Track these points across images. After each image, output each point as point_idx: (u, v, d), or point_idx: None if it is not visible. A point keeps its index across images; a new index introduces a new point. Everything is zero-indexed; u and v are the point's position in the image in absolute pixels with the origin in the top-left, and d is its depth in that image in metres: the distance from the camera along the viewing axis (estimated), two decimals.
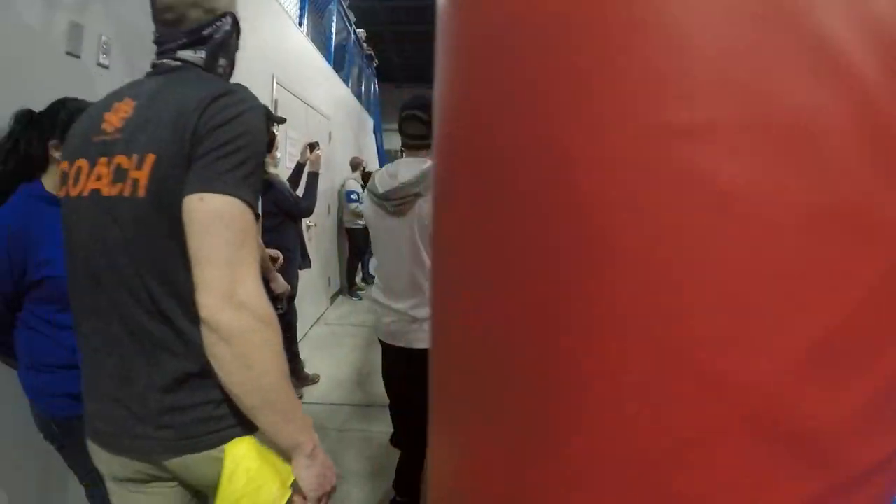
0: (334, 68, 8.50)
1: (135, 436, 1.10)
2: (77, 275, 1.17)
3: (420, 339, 2.32)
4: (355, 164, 8.44)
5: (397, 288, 2.43)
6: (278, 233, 3.83)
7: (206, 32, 1.21)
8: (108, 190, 1.08)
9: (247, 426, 1.10)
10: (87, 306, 1.15)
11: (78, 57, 2.28)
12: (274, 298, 3.05)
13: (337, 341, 6.11)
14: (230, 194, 1.00)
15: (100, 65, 2.42)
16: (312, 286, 6.29)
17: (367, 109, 12.96)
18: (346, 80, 9.73)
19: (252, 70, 4.34)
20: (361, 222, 7.12)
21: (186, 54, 1.20)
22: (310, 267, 4.53)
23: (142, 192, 1.04)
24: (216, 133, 1.03)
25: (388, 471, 2.90)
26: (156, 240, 1.05)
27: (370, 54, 12.99)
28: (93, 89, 2.28)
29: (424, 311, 2.23)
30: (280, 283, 3.22)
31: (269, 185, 3.68)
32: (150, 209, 1.04)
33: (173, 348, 1.07)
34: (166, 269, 1.05)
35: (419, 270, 2.32)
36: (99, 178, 1.10)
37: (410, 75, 21.02)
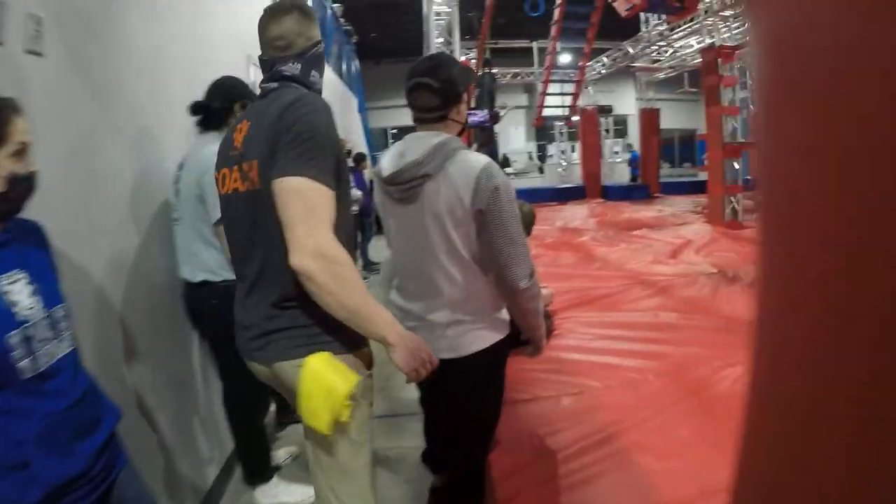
0: None
1: (253, 346, 1.67)
2: (238, 241, 1.72)
3: (442, 347, 1.99)
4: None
5: (411, 288, 2.15)
6: None
7: (308, 55, 1.73)
8: (241, 187, 1.64)
9: (323, 347, 1.58)
10: (243, 258, 1.70)
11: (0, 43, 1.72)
12: None
13: None
14: (299, 174, 1.47)
15: (30, 52, 1.84)
16: None
17: (350, 88, 12.39)
18: (325, 59, 9.09)
19: (226, 50, 3.97)
20: (354, 209, 6.56)
21: (289, 68, 1.69)
22: None
23: (257, 186, 1.57)
24: (288, 133, 1.49)
25: None
26: (270, 214, 1.51)
27: (348, 30, 12.39)
28: (21, 82, 1.78)
29: (443, 315, 2.01)
30: None
31: None
32: (263, 196, 1.54)
33: (282, 282, 1.56)
34: (278, 232, 1.50)
35: (435, 268, 2.01)
36: (235, 181, 1.66)
37: (390, 49, 20.38)
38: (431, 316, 2.05)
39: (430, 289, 2.05)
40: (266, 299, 1.61)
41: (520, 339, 2.22)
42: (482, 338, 2.03)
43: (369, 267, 8.39)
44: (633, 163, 18.96)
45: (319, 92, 1.78)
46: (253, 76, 4.43)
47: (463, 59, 14.90)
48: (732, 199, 9.55)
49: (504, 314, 2.11)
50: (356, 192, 6.68)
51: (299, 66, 1.70)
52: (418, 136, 2.05)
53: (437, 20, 7.33)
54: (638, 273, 6.11)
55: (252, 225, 1.62)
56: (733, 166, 9.54)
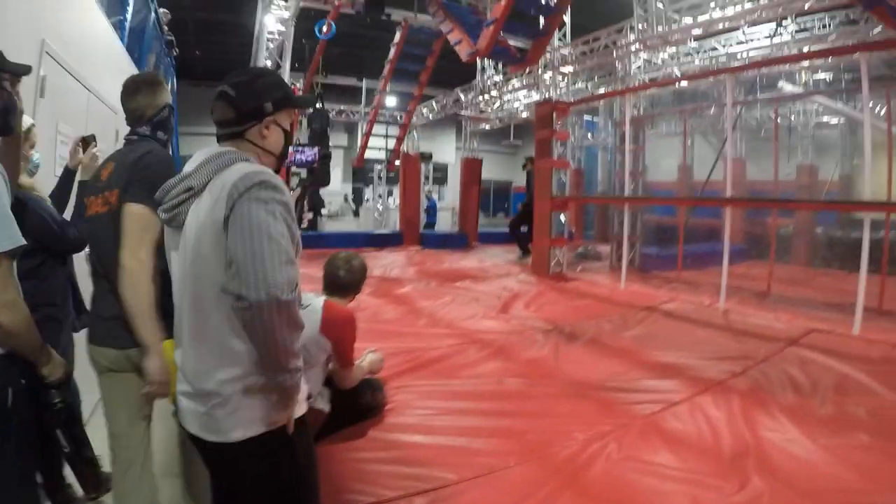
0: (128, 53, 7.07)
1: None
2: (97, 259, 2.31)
3: (203, 425, 1.63)
4: None
5: (182, 340, 1.70)
6: (39, 279, 2.45)
7: (155, 120, 2.38)
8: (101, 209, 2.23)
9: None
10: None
11: None
12: (46, 387, 2.06)
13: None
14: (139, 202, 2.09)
15: None
16: None
17: None
18: (140, 69, 7.98)
19: (11, 28, 3.01)
20: None
21: (142, 129, 2.36)
22: (86, 327, 2.95)
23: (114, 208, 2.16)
24: (138, 173, 2.14)
25: None
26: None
27: (171, 40, 11.15)
28: None
29: (209, 380, 1.59)
30: (56, 363, 2.09)
31: (22, 206, 2.21)
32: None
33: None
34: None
35: (201, 315, 1.62)
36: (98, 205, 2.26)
37: (213, 72, 18.95)
38: (199, 382, 1.62)
39: (196, 343, 1.64)
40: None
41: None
42: (260, 417, 1.61)
43: None
44: (429, 210, 18.92)
45: (165, 144, 2.44)
46: (43, 68, 3.46)
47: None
48: (557, 251, 9.61)
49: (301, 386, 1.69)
50: None
51: (149, 128, 2.37)
52: (200, 152, 1.72)
53: (269, 40, 6.62)
54: (470, 330, 5.71)
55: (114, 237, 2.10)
56: (559, 219, 9.66)
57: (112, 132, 5.63)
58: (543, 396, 3.88)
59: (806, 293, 8.47)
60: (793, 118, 14.57)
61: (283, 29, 6.80)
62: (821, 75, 12.48)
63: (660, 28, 7.84)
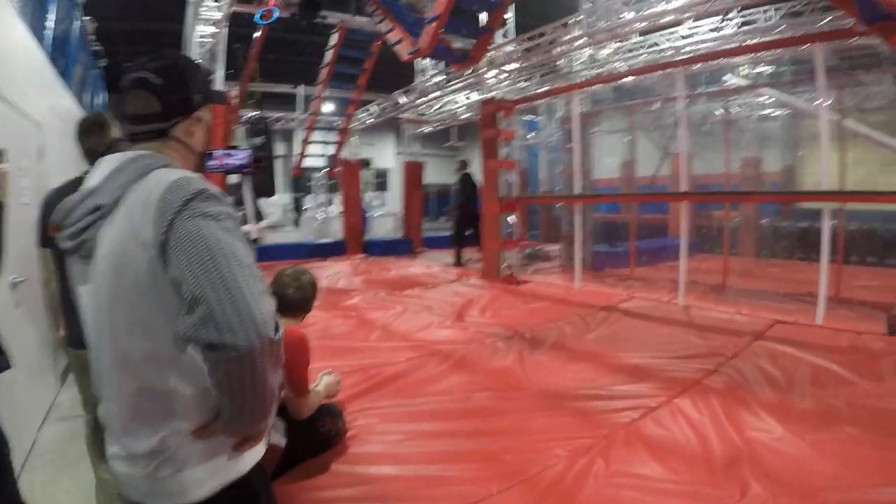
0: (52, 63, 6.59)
1: None
2: None
3: (150, 492, 1.30)
4: None
5: (106, 394, 1.36)
6: None
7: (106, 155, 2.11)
8: None
9: None
10: None
11: None
12: None
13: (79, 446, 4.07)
14: None
15: None
16: (26, 374, 4.08)
17: None
18: (66, 81, 7.51)
19: None
20: None
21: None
22: (8, 367, 2.50)
23: None
24: None
25: None
26: None
27: (97, 51, 10.47)
28: None
29: (143, 441, 1.26)
30: None
31: None
32: None
33: None
34: None
35: (124, 361, 1.28)
36: None
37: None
38: (130, 439, 1.30)
39: (125, 395, 1.29)
40: None
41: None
42: (218, 468, 1.30)
43: None
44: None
45: None
46: None
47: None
48: (507, 254, 9.39)
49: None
50: None
51: None
52: (108, 158, 1.36)
53: (201, 44, 6.16)
54: (427, 341, 5.41)
55: None
56: (507, 221, 9.44)
57: (33, 147, 5.19)
58: (516, 411, 3.61)
59: (760, 284, 8.52)
60: (734, 112, 14.83)
61: (215, 30, 6.35)
62: (762, 68, 12.65)
63: (607, 22, 7.69)
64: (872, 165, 8.89)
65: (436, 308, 7.03)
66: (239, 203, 6.04)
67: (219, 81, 6.23)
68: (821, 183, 6.10)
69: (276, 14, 9.69)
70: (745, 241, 11.28)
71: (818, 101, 6.14)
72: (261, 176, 10.46)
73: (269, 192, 11.28)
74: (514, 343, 5.27)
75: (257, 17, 9.94)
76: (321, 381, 3.29)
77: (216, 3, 6.27)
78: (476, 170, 11.58)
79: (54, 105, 6.35)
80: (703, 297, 7.42)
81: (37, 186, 5.10)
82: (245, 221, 5.10)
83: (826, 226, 6.00)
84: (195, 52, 6.25)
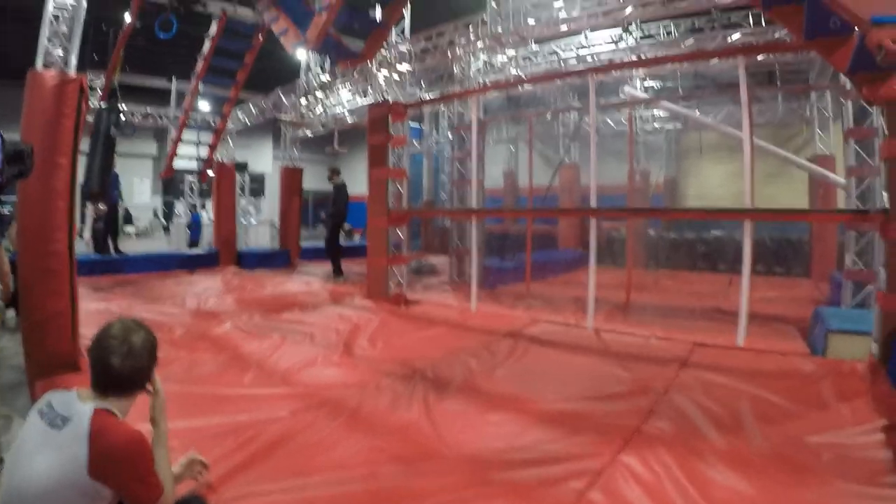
0: None
1: None
2: None
3: None
4: None
5: None
6: None
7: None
8: None
9: None
10: None
11: None
12: None
13: None
14: None
15: None
16: None
17: None
18: None
19: None
20: None
21: None
22: None
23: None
24: None
25: None
26: None
27: None
28: None
29: None
30: None
31: None
32: None
33: None
34: None
35: None
36: None
37: (9, 68, 15.86)
38: None
39: None
40: None
41: None
42: None
43: None
44: (192, 226, 17.17)
45: None
46: None
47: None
48: (396, 270, 8.65)
49: None
50: None
51: None
52: None
53: (55, 18, 5.00)
54: (312, 386, 4.55)
55: None
56: (398, 234, 8.71)
57: None
58: (437, 491, 2.83)
59: (662, 299, 8.43)
60: (618, 124, 15.03)
61: (73, 3, 5.20)
62: (650, 83, 12.74)
63: (509, 26, 7.17)
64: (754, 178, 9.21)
65: (319, 337, 6.19)
66: None
67: (71, 67, 5.11)
68: (745, 199, 5.74)
69: (175, 27, 8.60)
70: (632, 252, 11.20)
71: (744, 113, 5.80)
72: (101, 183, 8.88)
73: (98, 192, 9.47)
74: (415, 385, 4.50)
75: (157, 28, 8.79)
76: (181, 466, 2.47)
77: None
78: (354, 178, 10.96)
79: None
80: (611, 317, 7.04)
81: None
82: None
83: (747, 241, 5.67)
84: (46, 28, 5.09)
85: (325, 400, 4.16)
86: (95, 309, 7.44)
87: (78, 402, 1.94)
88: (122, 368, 2.01)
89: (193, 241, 16.70)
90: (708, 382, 4.53)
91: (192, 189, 16.94)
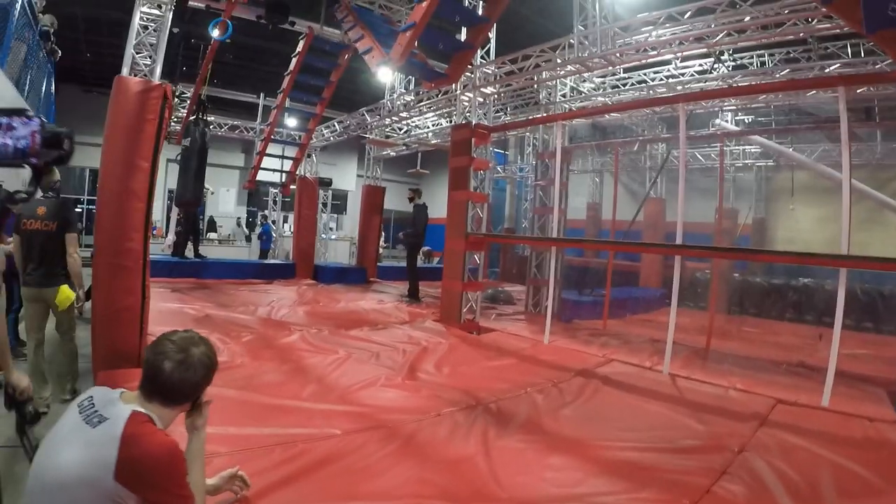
0: None
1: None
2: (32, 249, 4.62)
3: None
4: None
5: None
6: None
7: (56, 188, 4.81)
8: (41, 227, 4.62)
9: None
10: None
11: None
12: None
13: None
14: (74, 232, 4.79)
15: None
16: None
17: (37, 111, 9.25)
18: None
19: None
20: None
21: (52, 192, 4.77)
22: None
23: (52, 229, 4.63)
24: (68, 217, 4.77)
25: None
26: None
27: (46, 31, 9.35)
28: None
29: None
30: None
31: None
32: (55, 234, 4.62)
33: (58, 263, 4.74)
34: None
35: None
36: (35, 224, 4.62)
37: (104, 77, 16.81)
38: None
39: None
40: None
41: None
42: None
43: None
44: (263, 236, 17.60)
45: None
46: None
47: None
48: (470, 296, 8.46)
49: None
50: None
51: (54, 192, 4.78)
52: None
53: (143, 27, 5.18)
54: (369, 407, 4.40)
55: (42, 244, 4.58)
56: (475, 260, 8.53)
57: None
58: None
59: (743, 348, 7.90)
60: (707, 159, 14.46)
61: (159, 14, 5.37)
62: (740, 116, 12.23)
63: (602, 48, 6.94)
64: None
65: (384, 356, 6.07)
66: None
67: (154, 74, 5.25)
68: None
69: (230, 30, 8.80)
70: (716, 296, 10.62)
71: (843, 149, 5.34)
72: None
73: (191, 200, 9.68)
74: (476, 417, 4.31)
75: (212, 28, 9.03)
76: (221, 477, 2.39)
77: None
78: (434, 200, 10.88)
79: None
80: (689, 363, 6.59)
81: None
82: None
83: (842, 291, 5.19)
84: (133, 38, 5.27)
85: (381, 422, 4.02)
86: (168, 309, 7.65)
87: (119, 403, 1.87)
88: (171, 375, 1.94)
89: (264, 251, 17.06)
90: (788, 445, 4.13)
91: (274, 201, 17.31)
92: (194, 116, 9.97)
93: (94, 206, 13.33)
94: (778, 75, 8.42)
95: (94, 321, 4.90)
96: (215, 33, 9.04)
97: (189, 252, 13.16)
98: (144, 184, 4.86)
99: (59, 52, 10.53)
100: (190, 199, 9.62)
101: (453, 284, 8.31)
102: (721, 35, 6.49)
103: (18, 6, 7.30)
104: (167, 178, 17.77)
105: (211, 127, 12.28)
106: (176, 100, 10.20)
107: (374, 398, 4.66)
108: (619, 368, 6.36)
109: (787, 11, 5.89)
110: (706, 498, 3.19)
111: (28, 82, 8.68)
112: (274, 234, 17.55)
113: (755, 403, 5.15)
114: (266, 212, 17.74)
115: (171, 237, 14.48)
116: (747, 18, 6.11)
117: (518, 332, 8.16)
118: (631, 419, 4.64)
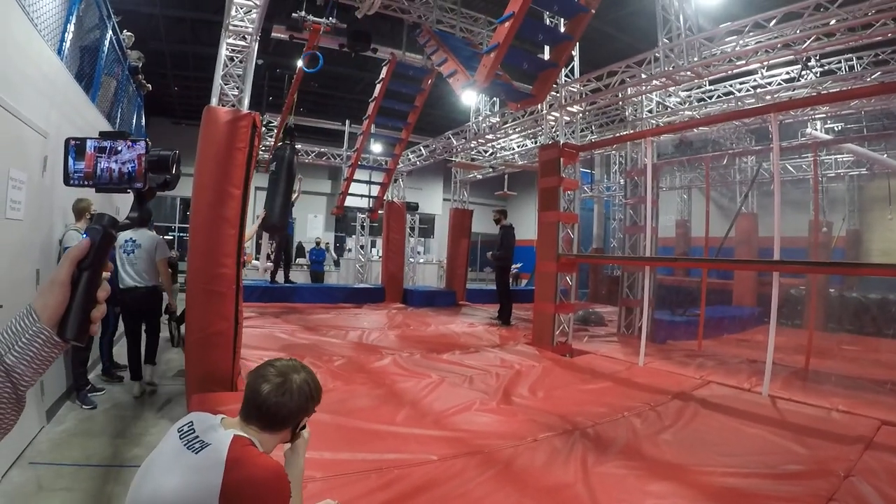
0: (76, 77, 6.12)
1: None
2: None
3: None
4: (80, 210, 5.60)
5: None
6: None
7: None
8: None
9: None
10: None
11: None
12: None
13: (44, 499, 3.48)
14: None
15: None
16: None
17: None
18: (91, 93, 6.95)
19: None
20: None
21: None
22: None
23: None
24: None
25: None
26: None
27: (136, 66, 9.90)
28: None
29: None
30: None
31: None
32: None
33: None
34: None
35: None
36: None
37: (192, 109, 17.61)
38: None
39: None
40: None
41: None
42: None
43: (112, 375, 6.63)
44: (315, 261, 17.75)
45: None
46: None
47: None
48: (562, 318, 8.27)
49: None
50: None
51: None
52: None
53: (229, 60, 5.37)
54: (464, 432, 4.35)
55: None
56: (567, 281, 8.35)
57: (39, 157, 4.74)
58: None
59: (843, 367, 7.52)
60: (797, 170, 13.79)
61: (245, 44, 5.56)
62: (830, 124, 11.60)
63: (689, 61, 6.72)
64: None
65: (477, 380, 6.00)
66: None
67: (244, 104, 5.43)
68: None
69: (321, 62, 8.99)
70: (811, 312, 9.98)
71: None
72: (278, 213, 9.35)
73: (277, 225, 9.92)
74: (574, 442, 4.18)
75: (301, 62, 9.28)
76: None
77: (245, 13, 5.50)
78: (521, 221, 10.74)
79: (71, 116, 5.69)
80: (788, 384, 6.24)
81: (37, 201, 4.67)
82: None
83: None
84: (220, 69, 5.48)
85: (478, 448, 3.95)
86: (260, 332, 7.82)
87: (220, 429, 1.86)
88: (268, 398, 1.92)
89: (316, 273, 17.27)
90: (893, 469, 3.85)
91: (362, 227, 17.59)
92: (281, 143, 10.27)
93: (185, 234, 13.89)
94: (868, 79, 7.96)
95: (188, 345, 5.02)
96: (304, 64, 9.29)
97: (279, 277, 13.52)
98: (236, 210, 4.98)
99: (149, 86, 11.02)
100: (276, 224, 9.89)
101: (546, 306, 8.16)
102: (810, 41, 6.18)
103: (107, 43, 7.66)
104: (255, 205, 18.43)
105: (299, 154, 12.63)
106: (263, 128, 10.55)
107: (469, 423, 4.60)
108: (717, 391, 6.09)
109: (874, 12, 5.63)
110: None
111: (119, 116, 9.12)
112: (334, 256, 17.73)
113: (859, 425, 4.87)
114: (362, 238, 18.01)
115: (262, 262, 14.92)
116: (833, 21, 5.85)
117: (611, 355, 7.94)
118: (732, 443, 4.43)
